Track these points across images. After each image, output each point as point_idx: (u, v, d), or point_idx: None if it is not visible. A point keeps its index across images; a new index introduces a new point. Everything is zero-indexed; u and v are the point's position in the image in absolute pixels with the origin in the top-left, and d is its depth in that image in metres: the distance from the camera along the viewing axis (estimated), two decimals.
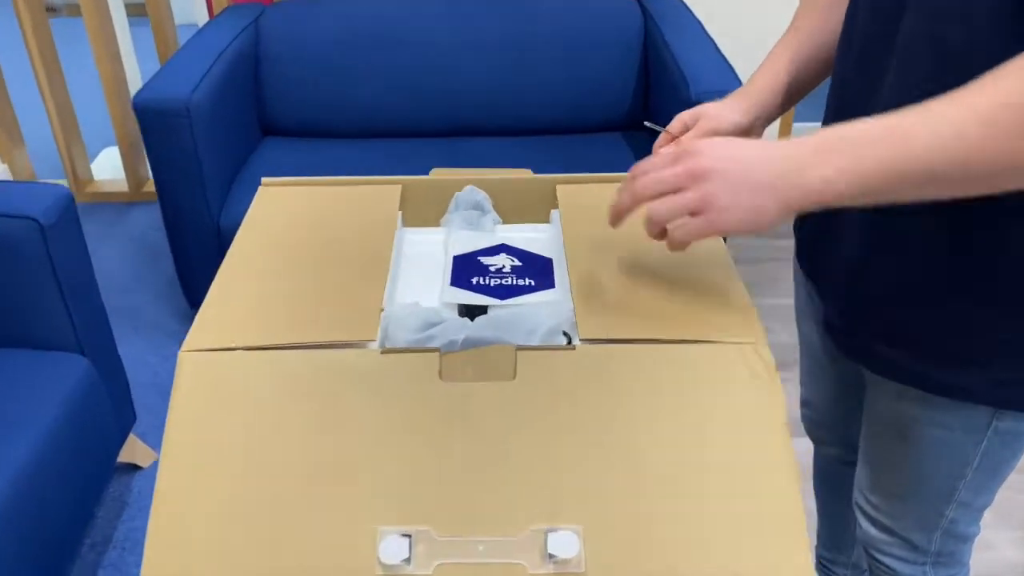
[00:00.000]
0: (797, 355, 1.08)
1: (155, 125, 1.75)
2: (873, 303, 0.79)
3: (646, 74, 2.12)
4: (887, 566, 0.95)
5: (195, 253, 1.89)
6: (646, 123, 0.98)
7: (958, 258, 0.72)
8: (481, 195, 0.92)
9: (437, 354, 0.67)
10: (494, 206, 0.92)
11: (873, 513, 0.95)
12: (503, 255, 0.84)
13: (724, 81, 1.78)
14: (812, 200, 0.62)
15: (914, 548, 0.93)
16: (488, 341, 0.69)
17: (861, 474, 0.96)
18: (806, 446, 1.19)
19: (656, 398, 0.65)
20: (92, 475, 1.39)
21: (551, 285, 0.79)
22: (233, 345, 0.68)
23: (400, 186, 0.91)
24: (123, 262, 2.32)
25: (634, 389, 0.65)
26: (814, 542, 1.29)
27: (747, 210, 0.63)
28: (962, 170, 0.58)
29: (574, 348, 0.68)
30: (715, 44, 1.95)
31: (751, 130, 0.89)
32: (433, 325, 0.71)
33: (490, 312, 0.76)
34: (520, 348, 0.67)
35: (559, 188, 0.91)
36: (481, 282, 0.80)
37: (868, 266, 0.78)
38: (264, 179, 0.93)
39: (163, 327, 2.06)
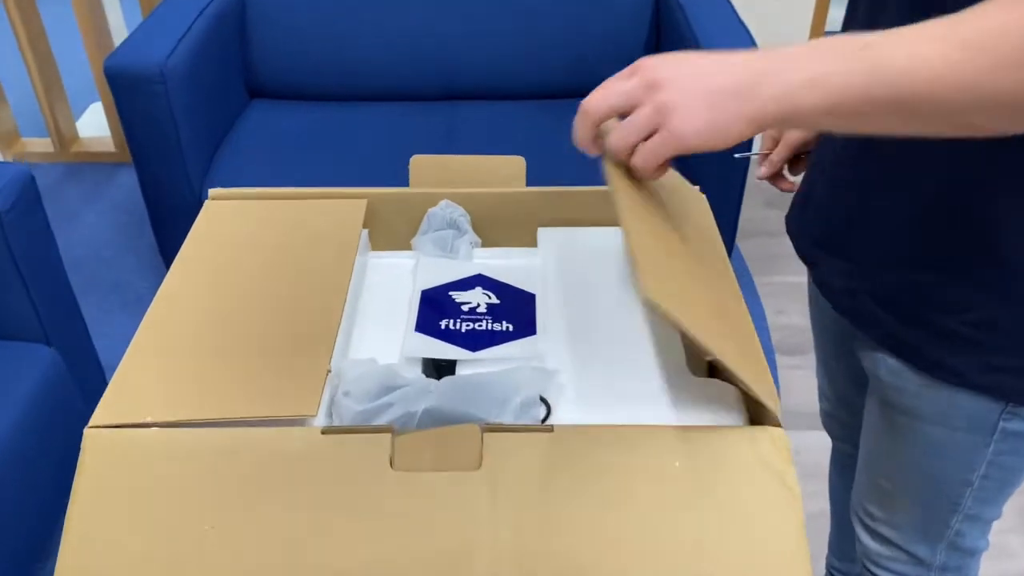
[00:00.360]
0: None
1: (128, 92, 1.63)
2: (867, 263, 0.75)
3: (657, 35, 1.97)
4: None
5: (176, 226, 1.77)
6: (736, 155, 0.86)
7: (953, 231, 0.68)
8: (458, 211, 0.80)
9: (389, 435, 0.57)
10: (472, 222, 0.81)
11: (871, 524, 0.88)
12: (478, 290, 0.73)
13: (739, 45, 1.63)
14: (779, 111, 0.56)
15: (917, 562, 0.87)
16: (451, 416, 0.59)
17: (860, 480, 0.89)
18: (824, 441, 1.11)
19: (646, 497, 0.54)
20: (60, 472, 1.31)
21: (531, 330, 0.69)
22: (147, 420, 0.57)
23: (365, 201, 0.80)
24: (109, 228, 2.22)
25: (619, 485, 0.55)
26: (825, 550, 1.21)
27: (708, 120, 0.56)
28: (932, 98, 0.53)
29: (551, 430, 0.57)
30: (731, 3, 1.80)
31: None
32: (391, 390, 0.60)
33: (457, 373, 0.65)
34: (488, 428, 0.57)
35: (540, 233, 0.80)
36: (451, 326, 0.69)
37: (863, 227, 0.75)
38: (212, 191, 0.81)
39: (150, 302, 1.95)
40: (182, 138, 1.69)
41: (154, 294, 0.70)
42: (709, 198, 0.81)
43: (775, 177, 0.90)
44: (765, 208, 2.26)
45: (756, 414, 0.61)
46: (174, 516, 0.54)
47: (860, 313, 0.77)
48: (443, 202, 0.80)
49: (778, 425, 0.57)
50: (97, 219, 2.25)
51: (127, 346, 0.64)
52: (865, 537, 0.90)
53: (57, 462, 1.31)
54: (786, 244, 0.87)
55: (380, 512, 0.54)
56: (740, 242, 2.15)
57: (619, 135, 0.59)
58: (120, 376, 0.61)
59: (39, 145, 2.47)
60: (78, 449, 0.56)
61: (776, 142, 0.88)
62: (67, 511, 0.55)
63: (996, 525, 0.86)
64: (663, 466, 0.56)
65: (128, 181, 2.39)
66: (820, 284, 0.84)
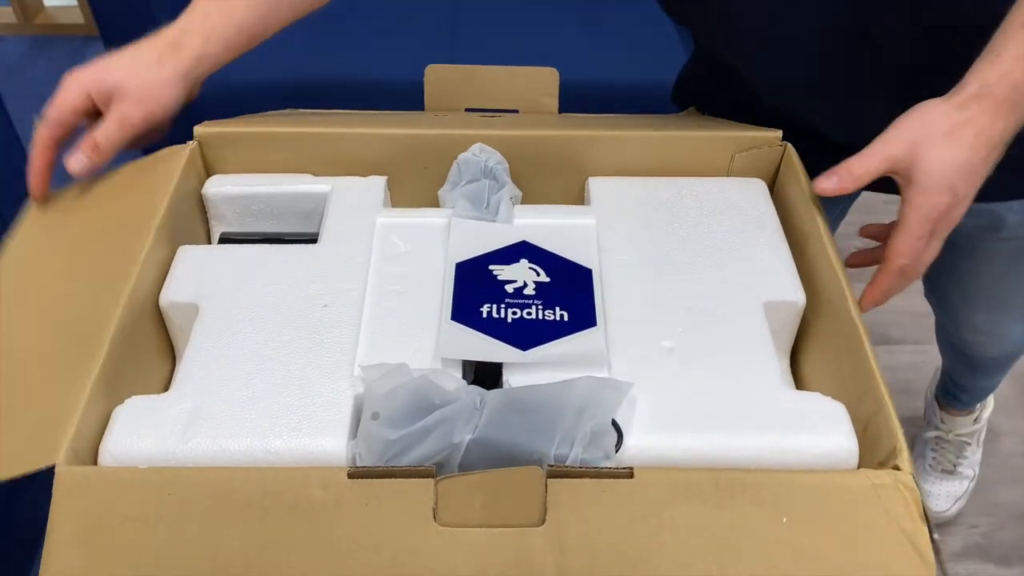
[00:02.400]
0: None
1: None
2: None
3: None
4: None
5: None
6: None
7: None
8: (495, 158, 0.67)
9: (431, 481, 0.46)
10: (511, 170, 0.68)
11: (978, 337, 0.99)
12: (524, 263, 0.61)
13: None
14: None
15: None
16: (503, 447, 0.48)
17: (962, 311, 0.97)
18: None
19: (747, 565, 0.44)
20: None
21: (591, 320, 0.57)
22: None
23: (384, 179, 0.67)
24: None
25: (713, 547, 0.45)
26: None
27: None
28: None
29: (631, 475, 0.46)
30: None
31: (189, 99, 0.66)
32: (428, 410, 0.49)
33: (505, 379, 0.54)
34: (552, 472, 0.46)
35: (592, 185, 0.68)
36: (494, 314, 0.57)
37: None
38: (197, 128, 0.68)
39: None
40: (156, 13, 1.51)
41: None
42: None
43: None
44: None
45: (868, 439, 0.51)
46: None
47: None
48: (476, 146, 0.67)
49: (900, 467, 0.47)
50: None
51: None
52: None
53: None
54: None
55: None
56: None
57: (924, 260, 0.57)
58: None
59: (0, 15, 2.26)
60: None
61: (78, 112, 0.64)
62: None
63: None
64: (767, 524, 0.45)
65: None
66: None
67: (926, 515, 0.45)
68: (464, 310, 0.57)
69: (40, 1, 2.28)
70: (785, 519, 0.46)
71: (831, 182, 0.58)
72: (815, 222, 0.62)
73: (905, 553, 0.45)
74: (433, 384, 0.50)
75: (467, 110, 0.74)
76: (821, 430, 0.51)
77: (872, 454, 0.50)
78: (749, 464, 0.49)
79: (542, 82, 0.76)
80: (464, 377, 0.55)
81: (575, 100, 0.78)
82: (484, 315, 0.57)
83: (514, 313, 0.57)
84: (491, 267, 0.61)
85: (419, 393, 0.50)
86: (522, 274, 0.60)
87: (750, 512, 0.46)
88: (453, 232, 0.63)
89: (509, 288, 0.59)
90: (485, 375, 0.56)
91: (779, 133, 0.68)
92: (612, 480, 0.46)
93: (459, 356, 0.55)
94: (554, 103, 0.77)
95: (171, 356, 0.62)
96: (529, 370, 0.54)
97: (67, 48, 2.22)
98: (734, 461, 0.49)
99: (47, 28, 2.26)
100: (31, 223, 0.63)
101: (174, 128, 0.67)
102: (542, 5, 1.68)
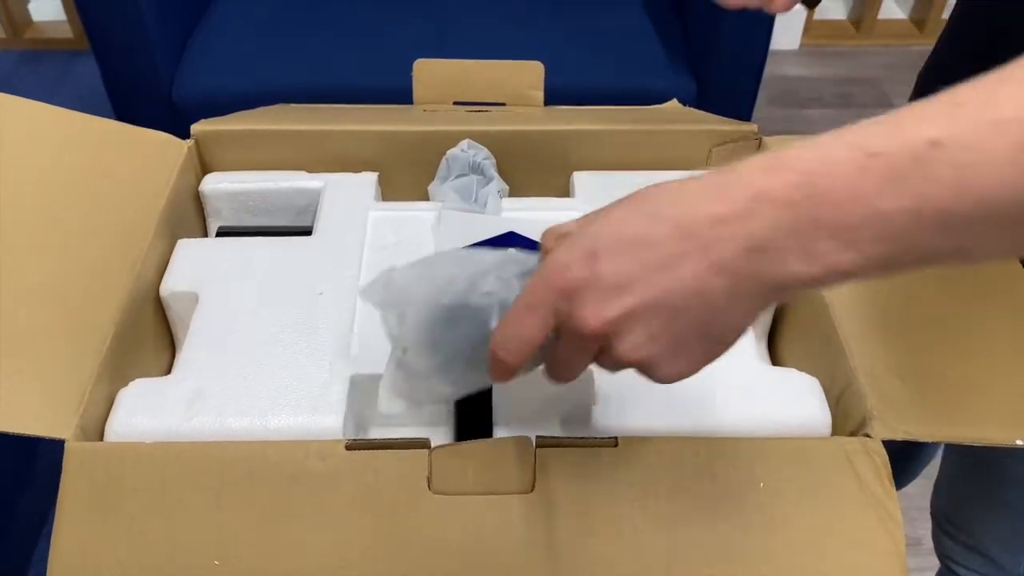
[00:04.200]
0: None
1: None
2: None
3: None
4: None
5: (146, 126, 1.63)
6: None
7: None
8: (482, 153, 0.70)
9: (426, 452, 0.48)
10: (498, 165, 0.70)
11: (951, 530, 0.83)
12: (512, 251, 0.64)
13: None
14: (797, 289, 0.34)
15: (999, 568, 0.81)
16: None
17: (942, 489, 0.83)
18: None
19: (725, 528, 0.47)
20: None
21: None
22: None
23: (375, 175, 0.70)
24: None
25: (694, 512, 0.47)
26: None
27: (704, 354, 0.38)
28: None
29: (615, 444, 0.49)
30: None
31: None
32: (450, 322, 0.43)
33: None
34: (542, 443, 0.48)
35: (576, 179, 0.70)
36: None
37: None
38: (194, 127, 0.70)
39: None
40: (147, 25, 1.53)
41: None
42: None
43: None
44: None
45: (842, 411, 0.53)
46: (175, 548, 0.46)
47: None
48: (464, 142, 0.70)
49: (870, 435, 0.50)
50: None
51: None
52: (942, 536, 0.85)
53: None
54: None
55: (416, 543, 0.46)
56: None
57: (558, 373, 0.41)
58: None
59: None
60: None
61: None
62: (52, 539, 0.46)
63: None
64: (744, 488, 0.48)
65: (90, 72, 2.20)
66: None
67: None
68: None
69: (29, 16, 2.29)
70: (762, 484, 0.48)
71: None
72: None
73: (876, 513, 0.47)
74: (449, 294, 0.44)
75: (455, 103, 0.76)
76: (796, 402, 0.53)
77: (845, 424, 0.52)
78: (729, 436, 0.51)
79: (528, 75, 0.78)
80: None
81: (560, 99, 0.80)
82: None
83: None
84: None
85: (435, 314, 0.44)
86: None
87: (729, 477, 0.48)
88: (442, 224, 0.65)
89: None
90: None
91: (755, 126, 0.71)
92: (598, 449, 0.49)
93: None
94: (540, 96, 0.79)
95: (171, 345, 0.64)
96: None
97: (56, 62, 2.24)
98: (715, 433, 0.51)
99: (36, 43, 2.27)
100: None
101: (168, 126, 0.69)
102: (529, 6, 1.71)
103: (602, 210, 0.38)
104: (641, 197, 0.37)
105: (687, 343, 0.36)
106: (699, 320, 0.35)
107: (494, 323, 0.41)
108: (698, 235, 0.34)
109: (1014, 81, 0.30)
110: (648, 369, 0.38)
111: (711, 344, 0.37)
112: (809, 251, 0.32)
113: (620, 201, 0.38)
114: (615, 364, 0.38)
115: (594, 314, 0.36)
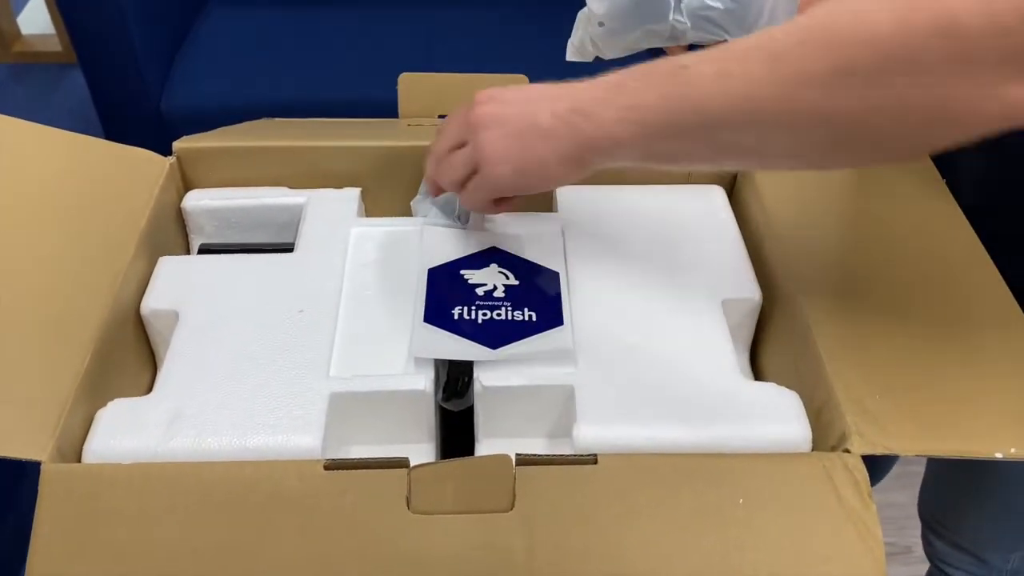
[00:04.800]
0: None
1: None
2: None
3: None
4: None
5: (135, 140, 1.63)
6: None
7: None
8: None
9: (404, 471, 0.48)
10: None
11: (939, 529, 0.83)
12: (494, 267, 0.64)
13: None
14: (595, 151, 0.50)
15: (988, 566, 0.82)
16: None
17: (930, 489, 0.84)
18: None
19: (707, 545, 0.47)
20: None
21: (558, 320, 0.59)
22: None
23: (358, 191, 0.70)
24: None
25: (674, 529, 0.47)
26: None
27: (520, 161, 0.53)
28: (747, 118, 0.44)
29: (595, 461, 0.49)
30: None
31: None
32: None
33: (475, 376, 0.56)
34: (521, 460, 0.48)
35: (560, 194, 0.70)
36: (465, 315, 0.59)
37: None
38: (176, 144, 0.70)
39: None
40: (135, 39, 1.53)
41: None
42: None
43: None
44: None
45: (822, 425, 0.53)
46: (153, 571, 0.45)
47: None
48: None
49: (849, 450, 0.50)
50: None
51: None
52: (932, 537, 0.85)
53: None
54: None
55: (396, 562, 0.46)
56: None
57: (442, 172, 0.58)
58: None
59: None
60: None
61: None
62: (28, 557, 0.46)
63: None
64: (723, 505, 0.48)
65: (79, 85, 2.20)
66: None
67: None
68: (436, 312, 0.60)
69: (17, 29, 2.29)
70: (742, 500, 0.48)
71: None
72: (769, 225, 0.64)
73: (856, 528, 0.47)
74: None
75: (440, 117, 0.76)
76: (776, 418, 0.53)
77: (825, 438, 0.52)
78: (709, 451, 0.51)
79: None
80: (436, 377, 0.57)
81: None
82: (455, 317, 0.59)
83: (484, 314, 0.60)
84: (462, 272, 0.63)
85: None
86: (492, 278, 0.63)
87: (709, 494, 0.48)
88: (425, 239, 0.65)
89: (480, 291, 0.61)
90: (458, 373, 0.58)
91: None
92: (577, 467, 0.48)
93: (431, 356, 0.57)
94: None
95: (152, 364, 0.63)
96: (499, 367, 0.56)
97: (45, 76, 2.24)
98: (695, 448, 0.51)
99: (25, 56, 2.27)
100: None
101: (157, 139, 0.69)
102: (513, 20, 1.72)
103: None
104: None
105: (515, 150, 0.53)
106: (531, 141, 0.52)
107: None
108: (552, 97, 0.52)
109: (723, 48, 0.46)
110: (482, 160, 0.54)
111: (528, 161, 0.53)
112: (602, 120, 0.49)
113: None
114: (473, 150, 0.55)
115: (475, 111, 0.54)
